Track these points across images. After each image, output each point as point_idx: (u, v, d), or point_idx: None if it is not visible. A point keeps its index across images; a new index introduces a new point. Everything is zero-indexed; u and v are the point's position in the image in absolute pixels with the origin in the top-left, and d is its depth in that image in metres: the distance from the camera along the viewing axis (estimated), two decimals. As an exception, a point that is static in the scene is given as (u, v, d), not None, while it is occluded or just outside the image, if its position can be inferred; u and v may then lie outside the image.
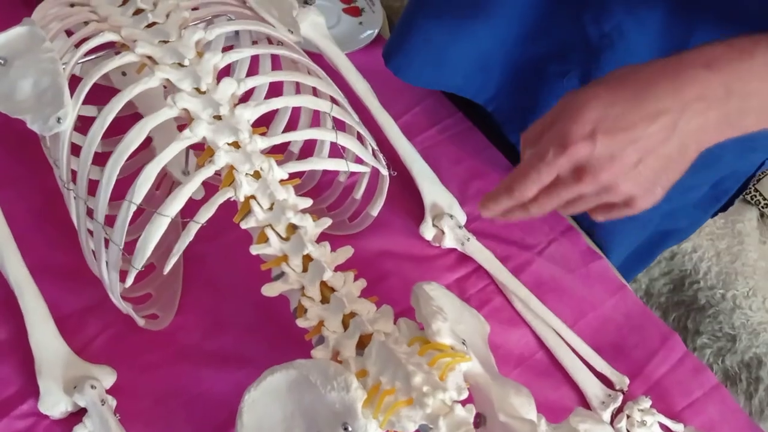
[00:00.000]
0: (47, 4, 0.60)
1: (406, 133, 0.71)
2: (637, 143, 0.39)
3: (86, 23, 0.57)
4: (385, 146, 0.67)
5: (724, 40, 0.40)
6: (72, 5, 0.60)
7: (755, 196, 1.20)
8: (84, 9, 0.59)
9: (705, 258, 1.12)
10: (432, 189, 0.68)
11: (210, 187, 0.54)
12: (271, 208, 0.51)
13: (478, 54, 0.66)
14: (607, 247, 0.73)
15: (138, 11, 0.58)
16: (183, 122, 0.52)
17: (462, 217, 0.68)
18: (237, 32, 0.67)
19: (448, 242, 0.67)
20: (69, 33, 0.62)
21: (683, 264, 1.14)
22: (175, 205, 0.49)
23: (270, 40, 0.63)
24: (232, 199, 0.51)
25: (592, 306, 0.68)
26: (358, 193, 0.65)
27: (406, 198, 0.69)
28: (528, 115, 0.64)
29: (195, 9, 0.60)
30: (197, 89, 0.53)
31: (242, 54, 0.57)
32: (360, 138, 0.58)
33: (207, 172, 0.51)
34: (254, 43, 0.65)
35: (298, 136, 0.56)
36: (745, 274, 1.10)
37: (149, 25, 0.57)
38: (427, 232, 0.67)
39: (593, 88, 0.40)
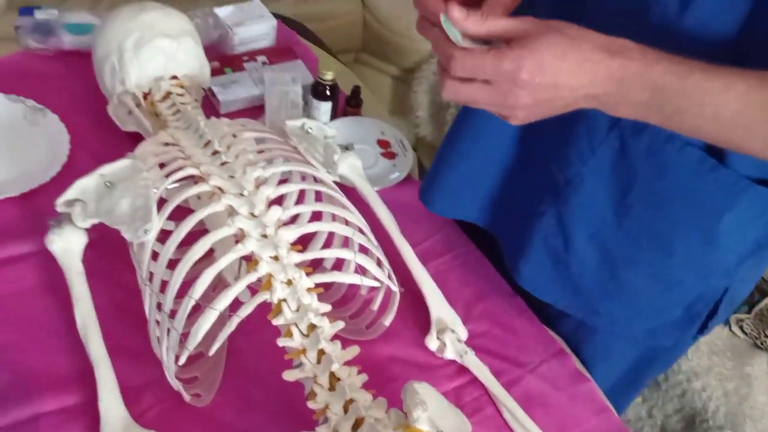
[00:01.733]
0: (148, 143, 0.79)
1: (425, 257, 0.85)
2: (534, 95, 0.51)
3: (175, 159, 0.75)
4: (401, 267, 0.81)
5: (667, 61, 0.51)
6: (166, 144, 0.79)
7: (765, 341, 1.25)
8: (174, 148, 0.77)
9: (713, 398, 1.16)
10: (439, 306, 0.80)
11: (252, 290, 0.68)
12: (297, 310, 0.64)
13: (486, 193, 0.80)
14: (593, 364, 0.82)
15: (215, 152, 0.76)
16: (239, 238, 0.68)
17: (463, 333, 0.80)
18: (290, 169, 0.83)
19: (449, 354, 0.78)
20: (162, 165, 0.80)
21: (693, 402, 1.18)
22: (223, 301, 0.63)
23: (314, 178, 0.80)
24: (267, 301, 0.65)
25: (575, 423, 0.77)
26: (375, 305, 0.77)
27: (416, 312, 0.81)
28: (522, 244, 0.77)
29: (260, 152, 0.78)
30: (252, 213, 0.69)
31: (289, 188, 0.73)
32: (378, 260, 0.72)
33: (251, 278, 0.65)
34: (303, 178, 0.82)
35: (323, 254, 0.70)
36: (754, 417, 1.13)
37: (222, 164, 0.74)
38: (432, 343, 0.79)
39: (552, 49, 0.49)
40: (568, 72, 0.50)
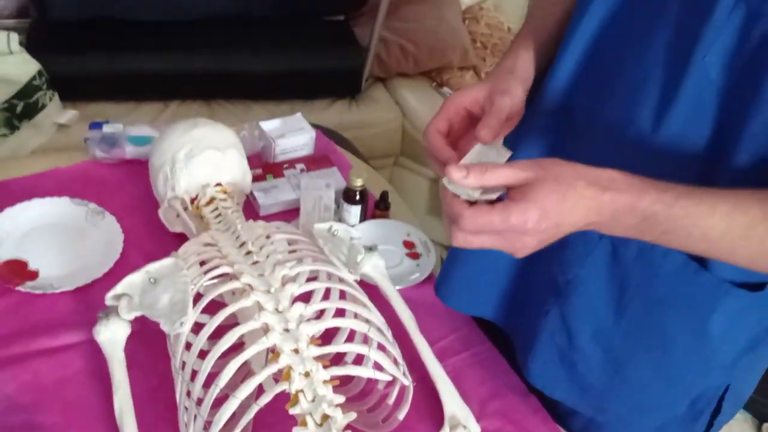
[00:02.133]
0: (191, 242, 0.88)
1: (443, 354, 0.89)
2: (540, 237, 0.56)
3: (213, 258, 0.83)
4: (418, 363, 0.85)
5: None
6: (206, 244, 0.87)
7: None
8: (213, 248, 0.85)
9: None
10: (453, 402, 0.83)
11: (276, 380, 0.73)
12: (313, 400, 0.69)
13: (497, 290, 0.85)
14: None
15: (248, 252, 0.84)
16: (264, 331, 0.74)
17: (476, 430, 0.82)
18: (317, 268, 0.90)
19: (463, 449, 0.80)
20: (202, 263, 0.88)
21: None
22: (245, 390, 0.69)
23: (337, 278, 0.86)
24: (286, 391, 0.70)
25: None
26: (390, 400, 0.81)
27: (431, 408, 0.84)
28: (530, 341, 0.81)
29: (291, 252, 0.85)
30: (276, 309, 0.75)
31: (312, 286, 0.80)
32: (394, 358, 0.77)
33: (272, 369, 0.71)
34: (327, 277, 0.88)
35: (340, 349, 0.75)
36: None
37: (254, 263, 0.82)
38: (445, 438, 0.81)
39: (542, 204, 0.54)
40: (568, 212, 0.55)
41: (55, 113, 1.65)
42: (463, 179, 0.55)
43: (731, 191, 0.55)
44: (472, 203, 0.57)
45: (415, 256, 1.08)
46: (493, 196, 0.57)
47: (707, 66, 0.57)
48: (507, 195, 0.57)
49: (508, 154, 0.65)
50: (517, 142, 0.74)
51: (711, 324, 0.67)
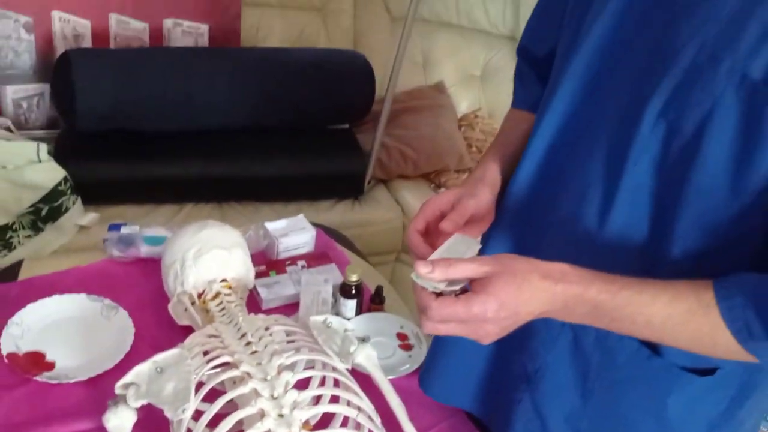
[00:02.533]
0: (196, 334, 0.95)
1: (432, 443, 0.93)
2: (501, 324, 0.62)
3: (215, 348, 0.90)
4: (406, 450, 0.89)
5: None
6: (210, 336, 0.94)
7: None
8: (216, 339, 0.93)
9: None
10: (439, 488, 0.87)
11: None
12: (303, 482, 0.74)
13: (474, 381, 0.91)
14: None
15: (248, 343, 0.91)
16: (261, 416, 0.80)
17: None
18: (312, 359, 0.97)
19: None
20: (205, 353, 0.95)
21: None
22: (240, 472, 0.74)
23: (331, 367, 0.92)
24: (279, 474, 0.75)
25: None
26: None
27: (419, 494, 0.88)
28: (506, 430, 0.85)
29: (289, 342, 0.92)
30: (272, 395, 0.82)
31: (305, 374, 0.86)
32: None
33: (265, 452, 0.76)
34: (323, 365, 0.95)
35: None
36: None
37: (253, 352, 0.89)
38: None
39: (500, 300, 0.62)
40: (524, 302, 0.62)
41: (77, 215, 1.77)
42: (429, 274, 0.63)
43: (670, 282, 0.63)
44: (438, 294, 0.64)
45: (407, 347, 1.14)
46: (457, 288, 0.65)
47: (639, 173, 0.67)
48: (470, 287, 0.65)
49: (477, 246, 0.73)
50: (488, 236, 0.82)
51: (669, 408, 0.72)
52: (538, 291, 0.62)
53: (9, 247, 1.66)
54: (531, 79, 0.89)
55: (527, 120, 0.85)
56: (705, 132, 0.61)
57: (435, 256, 0.70)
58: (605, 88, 0.69)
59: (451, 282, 0.65)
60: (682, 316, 0.61)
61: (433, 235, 0.79)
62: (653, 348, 0.72)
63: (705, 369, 0.71)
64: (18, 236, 1.68)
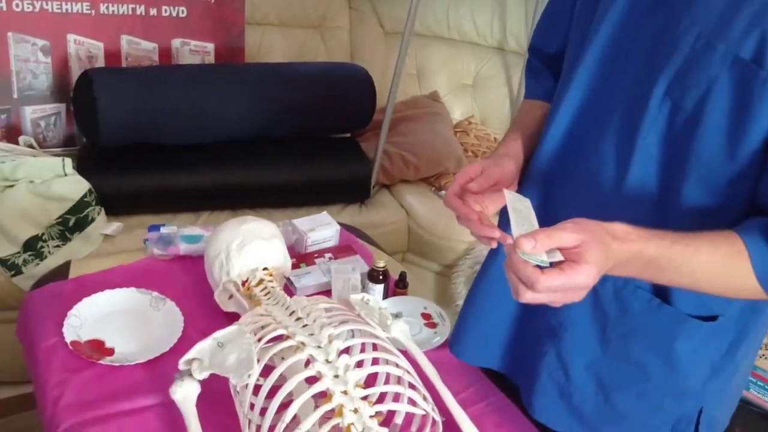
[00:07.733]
0: (248, 314, 1.05)
1: (462, 404, 1.04)
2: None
3: (269, 324, 1.00)
4: (443, 410, 1.00)
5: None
6: (261, 315, 1.05)
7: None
8: (269, 317, 1.03)
9: None
10: (474, 438, 0.98)
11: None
12: (363, 431, 0.84)
13: (501, 341, 1.01)
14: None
15: (298, 318, 1.01)
16: (317, 378, 0.90)
17: (497, 462, 0.96)
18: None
19: (487, 479, 0.94)
20: (260, 328, 1.05)
21: None
22: (305, 425, 0.84)
23: (372, 335, 1.03)
24: (339, 426, 0.85)
25: None
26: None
27: (457, 445, 0.98)
28: (533, 381, 0.96)
29: (331, 317, 1.02)
30: (326, 360, 0.92)
31: (353, 341, 0.97)
32: (423, 395, 0.92)
33: (327, 407, 0.86)
34: (366, 334, 1.05)
35: (380, 389, 0.91)
36: None
37: (303, 326, 0.99)
38: (471, 470, 0.95)
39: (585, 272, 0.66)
40: (604, 263, 0.67)
41: (102, 225, 1.85)
42: (533, 248, 0.66)
43: (705, 234, 0.72)
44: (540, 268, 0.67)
45: (432, 325, 1.25)
46: (555, 259, 0.67)
47: (648, 145, 0.78)
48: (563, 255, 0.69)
49: (526, 200, 0.80)
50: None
51: (676, 351, 0.84)
52: (613, 252, 0.69)
53: (40, 256, 1.75)
54: (543, 74, 1.01)
55: (541, 107, 0.97)
56: (704, 108, 0.72)
57: (514, 225, 0.73)
58: (616, 73, 0.81)
59: (549, 253, 0.67)
60: (720, 263, 0.71)
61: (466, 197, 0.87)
62: (664, 297, 0.83)
63: (708, 316, 0.83)
64: (48, 246, 1.77)
